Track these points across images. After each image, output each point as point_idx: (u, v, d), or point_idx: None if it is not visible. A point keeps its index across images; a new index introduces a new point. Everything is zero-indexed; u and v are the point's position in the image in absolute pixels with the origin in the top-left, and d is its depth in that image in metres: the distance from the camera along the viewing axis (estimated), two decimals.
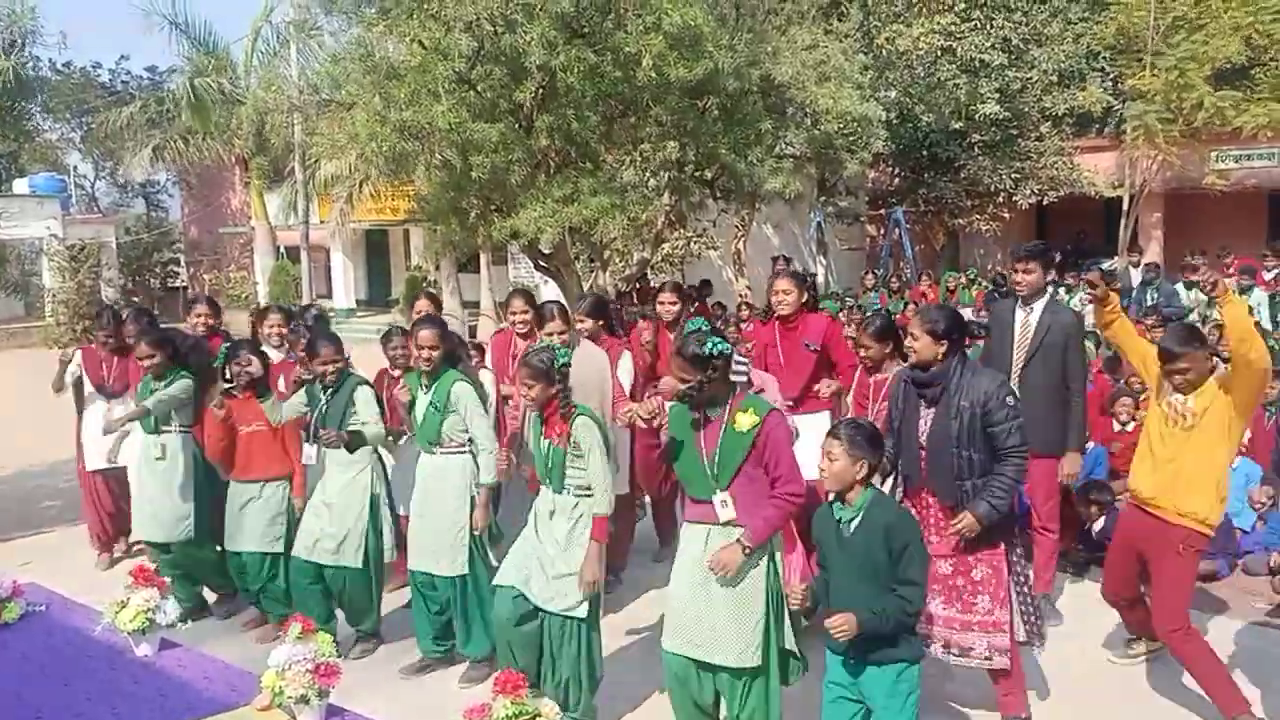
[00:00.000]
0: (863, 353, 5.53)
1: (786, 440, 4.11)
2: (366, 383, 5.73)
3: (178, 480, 6.11)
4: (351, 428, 5.51)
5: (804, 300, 5.94)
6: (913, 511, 4.43)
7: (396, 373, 6.28)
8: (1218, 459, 4.62)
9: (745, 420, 4.06)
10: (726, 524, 4.08)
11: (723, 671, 4.09)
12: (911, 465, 4.54)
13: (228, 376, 5.87)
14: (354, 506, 5.53)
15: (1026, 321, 5.69)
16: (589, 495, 4.55)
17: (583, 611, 4.54)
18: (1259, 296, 12.35)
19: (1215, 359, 4.87)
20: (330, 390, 5.59)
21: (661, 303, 6.80)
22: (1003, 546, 4.44)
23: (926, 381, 4.46)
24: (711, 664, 4.10)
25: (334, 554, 5.51)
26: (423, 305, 6.74)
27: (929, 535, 4.39)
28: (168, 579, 6.07)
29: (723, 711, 4.30)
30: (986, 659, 4.40)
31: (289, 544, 5.78)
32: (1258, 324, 11.37)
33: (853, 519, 3.70)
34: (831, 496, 3.80)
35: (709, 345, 4.07)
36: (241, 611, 6.33)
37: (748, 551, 3.98)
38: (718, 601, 4.04)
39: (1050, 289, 5.83)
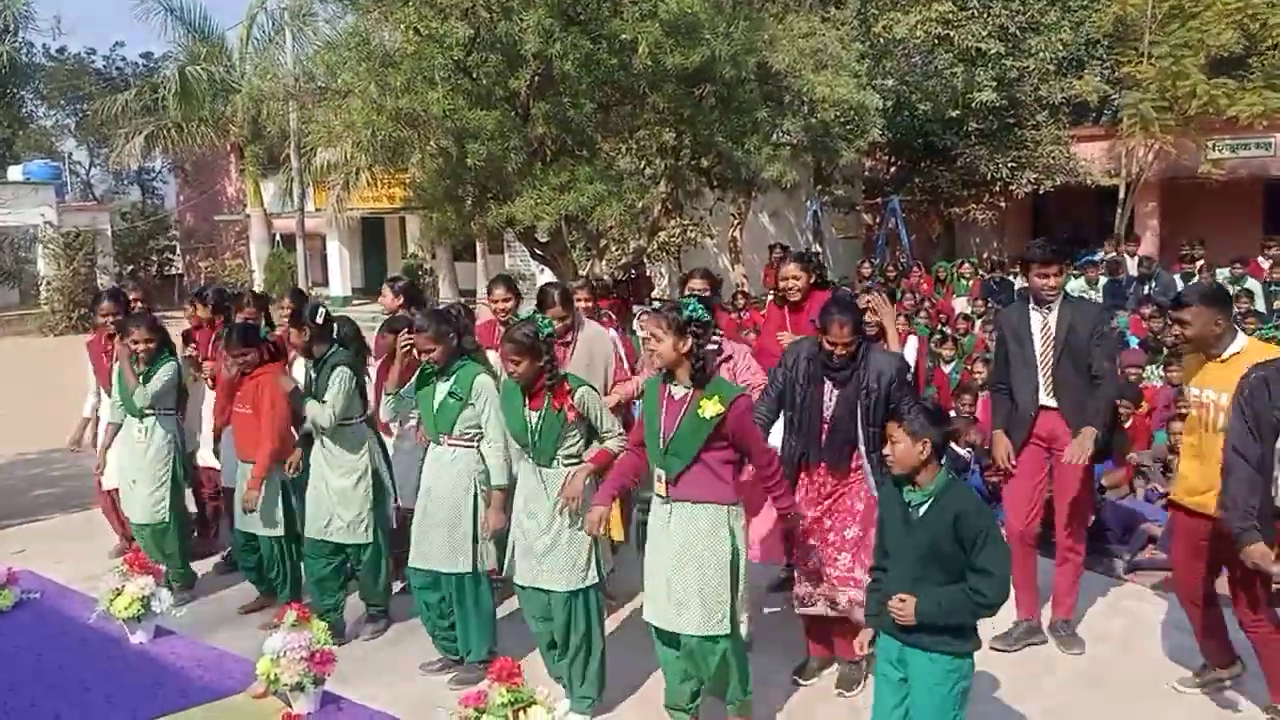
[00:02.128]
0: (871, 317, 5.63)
1: (752, 423, 4.27)
2: (351, 365, 5.66)
3: (156, 462, 6.17)
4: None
5: (812, 281, 6.01)
6: (804, 483, 4.74)
7: None
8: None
9: (710, 407, 4.11)
10: (684, 500, 4.19)
11: (690, 639, 4.19)
12: (810, 441, 4.74)
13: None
14: (359, 485, 5.59)
15: (1046, 324, 5.22)
16: (579, 464, 4.67)
17: (589, 580, 4.66)
18: (1253, 285, 12.37)
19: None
20: (319, 368, 5.61)
21: (692, 289, 6.63)
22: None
23: (842, 367, 4.64)
24: (679, 633, 4.22)
25: (347, 532, 5.58)
26: (386, 300, 6.85)
27: (811, 506, 4.73)
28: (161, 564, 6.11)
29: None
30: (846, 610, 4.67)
31: (290, 526, 5.86)
32: (1252, 311, 11.40)
33: (923, 503, 3.57)
34: (898, 478, 3.68)
35: (685, 310, 4.22)
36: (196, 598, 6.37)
37: None
38: (685, 573, 4.16)
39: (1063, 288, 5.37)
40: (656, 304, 10.18)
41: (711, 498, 4.18)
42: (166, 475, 6.19)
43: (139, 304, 7.45)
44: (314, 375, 5.63)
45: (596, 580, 4.70)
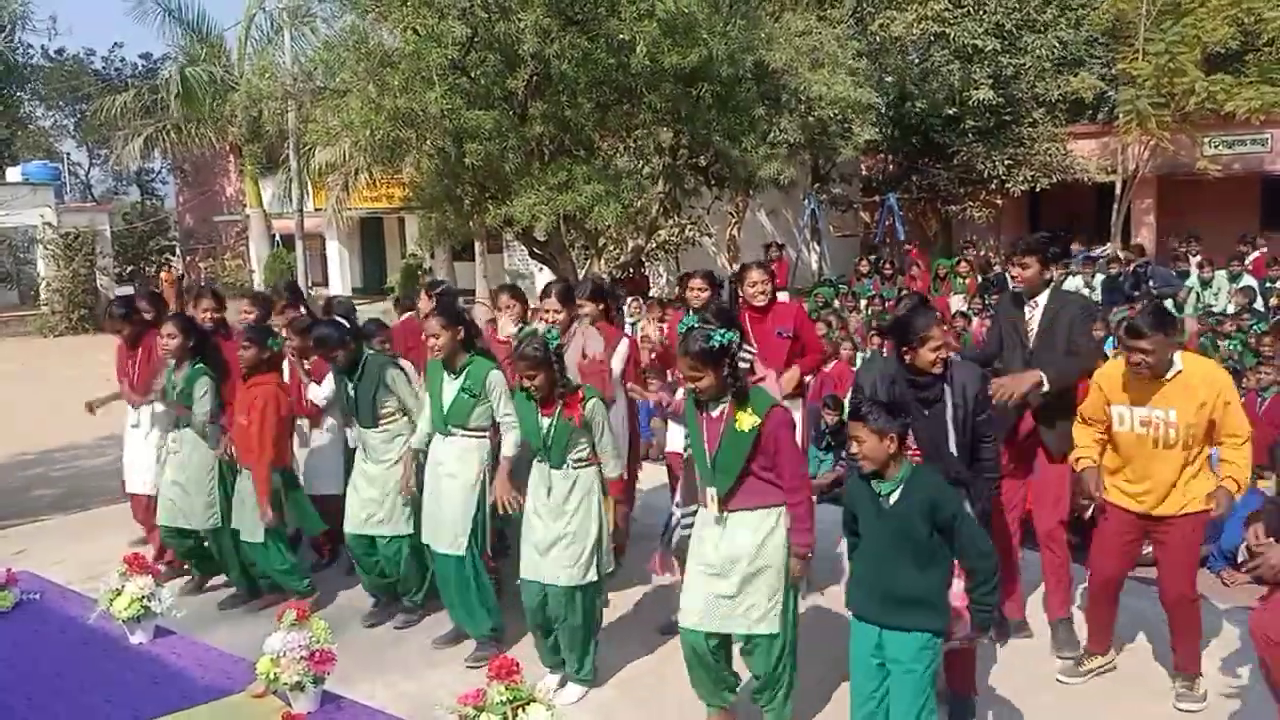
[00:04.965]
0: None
1: (789, 438, 4.18)
2: (394, 364, 5.84)
3: (202, 469, 6.11)
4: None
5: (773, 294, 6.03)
6: None
7: None
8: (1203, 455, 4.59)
9: (746, 420, 4.08)
10: (737, 511, 4.18)
11: (752, 638, 4.21)
12: None
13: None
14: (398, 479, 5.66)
15: (1031, 316, 5.35)
16: (587, 467, 4.82)
17: (589, 578, 4.77)
18: (1251, 282, 12.41)
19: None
20: (355, 374, 5.68)
21: (691, 289, 6.59)
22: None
23: (929, 384, 4.36)
24: (734, 635, 4.25)
25: (389, 524, 5.68)
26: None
27: None
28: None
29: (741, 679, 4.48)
30: None
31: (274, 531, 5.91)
32: (1250, 306, 11.41)
33: (893, 491, 3.70)
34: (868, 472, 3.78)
35: (715, 338, 4.07)
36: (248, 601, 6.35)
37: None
38: (736, 578, 4.16)
39: (1052, 282, 5.44)
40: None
41: (763, 502, 4.18)
42: (215, 479, 6.12)
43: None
44: (354, 381, 5.70)
45: (595, 579, 4.85)
